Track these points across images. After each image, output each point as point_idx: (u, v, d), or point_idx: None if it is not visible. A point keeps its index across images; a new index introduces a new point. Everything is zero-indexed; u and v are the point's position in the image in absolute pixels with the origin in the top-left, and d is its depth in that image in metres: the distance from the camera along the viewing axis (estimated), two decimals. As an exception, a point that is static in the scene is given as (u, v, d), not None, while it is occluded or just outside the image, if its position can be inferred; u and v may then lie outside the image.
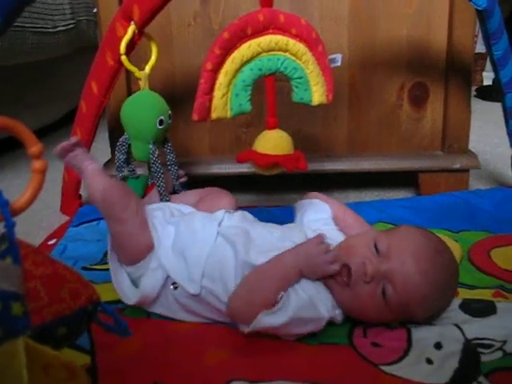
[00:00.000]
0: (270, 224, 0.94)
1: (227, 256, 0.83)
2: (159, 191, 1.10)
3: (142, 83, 1.09)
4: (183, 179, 1.16)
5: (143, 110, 1.07)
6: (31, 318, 0.47)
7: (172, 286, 0.84)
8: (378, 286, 0.77)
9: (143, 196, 1.15)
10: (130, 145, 1.11)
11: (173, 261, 0.85)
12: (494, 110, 1.59)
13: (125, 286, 0.87)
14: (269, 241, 0.86)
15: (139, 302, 0.86)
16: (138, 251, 0.86)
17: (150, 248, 0.86)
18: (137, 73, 1.08)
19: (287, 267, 0.78)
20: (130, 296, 0.86)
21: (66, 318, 0.50)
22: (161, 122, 1.07)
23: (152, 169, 1.09)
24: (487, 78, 3.17)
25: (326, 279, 0.80)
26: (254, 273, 0.79)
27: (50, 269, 0.50)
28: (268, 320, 0.74)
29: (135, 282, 0.88)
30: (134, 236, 0.86)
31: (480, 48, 2.94)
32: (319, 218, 0.94)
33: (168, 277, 0.84)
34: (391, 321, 0.81)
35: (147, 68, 1.10)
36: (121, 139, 1.09)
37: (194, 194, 1.07)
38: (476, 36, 2.32)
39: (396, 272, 0.76)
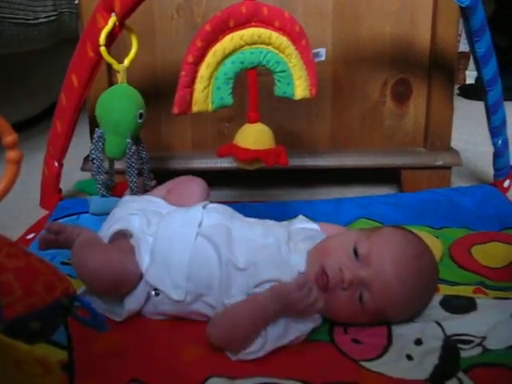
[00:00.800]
0: (251, 219, 0.92)
1: (210, 258, 0.81)
2: (131, 188, 1.08)
3: (119, 76, 1.07)
4: (154, 183, 1.15)
5: (123, 102, 1.05)
6: (3, 312, 0.46)
7: (153, 293, 0.82)
8: (356, 292, 0.77)
9: (113, 194, 1.14)
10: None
11: (153, 270, 0.82)
12: (477, 108, 1.60)
13: (111, 306, 0.84)
14: (251, 238, 0.85)
15: (125, 318, 0.83)
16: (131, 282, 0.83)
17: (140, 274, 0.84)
18: (115, 65, 1.06)
19: (268, 312, 0.75)
20: (118, 313, 0.83)
21: (39, 312, 0.48)
22: (141, 116, 1.06)
23: (127, 164, 1.08)
24: (470, 76, 3.20)
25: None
26: (234, 310, 0.77)
27: (24, 261, 0.48)
28: (249, 356, 0.74)
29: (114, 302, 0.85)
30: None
31: (463, 47, 2.96)
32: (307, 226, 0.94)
33: (150, 286, 0.82)
34: (367, 323, 0.80)
35: (126, 61, 1.08)
36: (96, 135, 1.06)
37: (162, 188, 1.05)
38: (459, 35, 2.34)
39: (374, 279, 0.76)
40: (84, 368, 0.70)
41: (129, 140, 1.06)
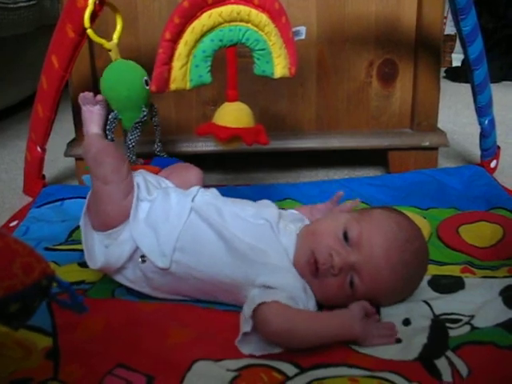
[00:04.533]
0: (243, 200, 0.91)
1: (203, 233, 0.82)
2: (129, 146, 1.09)
3: (113, 54, 1.05)
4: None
5: (127, 75, 1.04)
6: (-19, 295, 0.45)
7: (140, 259, 0.82)
8: (346, 278, 0.77)
9: None
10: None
11: (144, 234, 0.83)
12: (463, 90, 1.60)
13: (94, 249, 0.85)
14: (242, 218, 0.84)
15: (103, 269, 0.85)
16: (114, 216, 0.84)
17: (125, 216, 0.84)
18: (106, 44, 1.04)
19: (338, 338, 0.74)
20: (97, 260, 0.84)
21: (18, 294, 0.47)
22: (146, 82, 1.05)
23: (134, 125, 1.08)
24: (456, 59, 3.19)
25: (299, 266, 0.79)
26: (314, 321, 0.74)
27: (0, 243, 0.47)
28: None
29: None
30: (115, 199, 0.84)
31: (449, 30, 2.95)
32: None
33: (136, 250, 0.83)
34: None
35: (115, 37, 1.06)
36: (110, 117, 1.05)
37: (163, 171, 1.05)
38: (445, 17, 2.33)
39: (364, 264, 0.76)
40: (69, 354, 0.69)
41: (144, 109, 1.05)
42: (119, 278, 0.85)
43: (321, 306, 0.80)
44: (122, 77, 1.04)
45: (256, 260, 0.78)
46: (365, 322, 0.74)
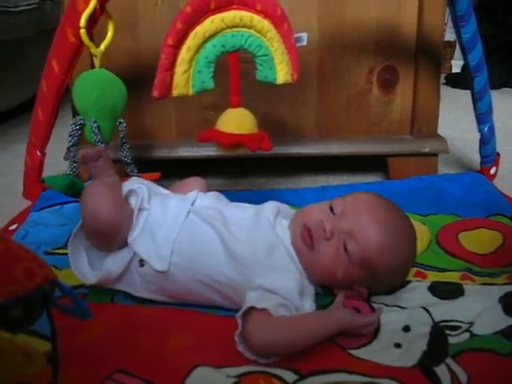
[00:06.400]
0: (242, 204, 0.93)
1: (201, 232, 0.83)
2: (127, 162, 1.10)
3: (96, 61, 1.07)
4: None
5: (116, 86, 1.06)
6: (-18, 300, 0.44)
7: (138, 263, 0.82)
8: (340, 243, 0.79)
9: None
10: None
11: (141, 238, 0.83)
12: (463, 97, 1.60)
13: (84, 266, 0.84)
14: (244, 219, 0.86)
15: (101, 280, 0.83)
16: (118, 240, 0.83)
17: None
18: (93, 49, 1.06)
19: (324, 336, 0.73)
20: (93, 273, 0.83)
21: (20, 299, 0.47)
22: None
23: (120, 143, 1.09)
24: (456, 66, 3.21)
25: (296, 245, 0.82)
26: (289, 321, 0.73)
27: (2, 247, 0.47)
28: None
29: (95, 261, 0.85)
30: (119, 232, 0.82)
31: (450, 36, 2.96)
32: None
33: (134, 255, 0.82)
34: (357, 279, 0.81)
35: (102, 45, 1.07)
36: (78, 122, 1.05)
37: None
38: (445, 24, 2.34)
39: (354, 226, 0.79)
40: (68, 359, 0.69)
41: (121, 120, 1.07)
42: (116, 286, 0.85)
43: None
44: (113, 86, 1.07)
45: (254, 261, 0.79)
46: (344, 307, 0.78)
